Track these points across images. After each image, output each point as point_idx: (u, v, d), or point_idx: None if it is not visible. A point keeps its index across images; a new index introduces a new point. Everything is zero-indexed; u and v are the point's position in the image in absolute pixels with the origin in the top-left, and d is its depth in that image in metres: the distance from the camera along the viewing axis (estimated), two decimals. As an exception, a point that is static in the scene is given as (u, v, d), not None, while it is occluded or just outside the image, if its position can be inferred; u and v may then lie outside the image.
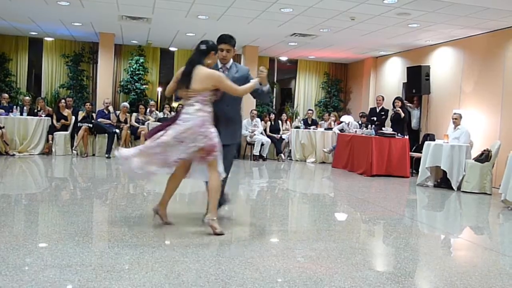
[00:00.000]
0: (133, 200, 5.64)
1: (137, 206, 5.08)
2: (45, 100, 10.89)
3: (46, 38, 11.98)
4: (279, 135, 11.29)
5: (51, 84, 12.15)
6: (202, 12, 8.30)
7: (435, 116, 10.01)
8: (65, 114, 10.05)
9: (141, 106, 10.74)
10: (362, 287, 2.85)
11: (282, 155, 11.03)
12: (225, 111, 4.07)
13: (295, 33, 9.81)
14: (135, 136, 10.19)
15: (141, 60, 12.17)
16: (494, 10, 7.12)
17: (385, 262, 3.66)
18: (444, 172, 7.49)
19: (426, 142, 7.99)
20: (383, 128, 9.32)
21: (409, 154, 8.91)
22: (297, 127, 11.29)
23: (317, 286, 2.83)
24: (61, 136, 9.71)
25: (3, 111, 9.45)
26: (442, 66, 9.88)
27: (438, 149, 7.54)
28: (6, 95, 10.18)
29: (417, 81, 9.98)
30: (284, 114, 12.23)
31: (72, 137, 9.92)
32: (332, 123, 11.61)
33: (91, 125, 9.77)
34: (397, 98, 9.83)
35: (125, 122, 10.27)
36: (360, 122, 10.76)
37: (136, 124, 10.29)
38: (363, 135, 9.33)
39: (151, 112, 10.74)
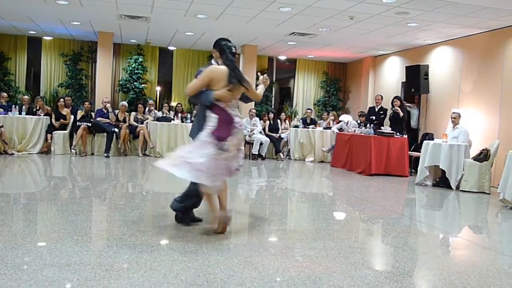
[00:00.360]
0: (132, 199, 5.64)
1: (136, 206, 5.08)
2: (44, 99, 10.89)
3: (45, 37, 11.96)
4: (278, 134, 11.28)
5: (50, 83, 12.14)
6: (201, 11, 8.29)
7: (434, 116, 10.02)
8: (64, 113, 10.04)
9: (140, 105, 10.72)
10: (361, 286, 2.86)
11: (281, 154, 11.03)
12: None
13: (294, 32, 9.80)
14: (134, 135, 10.19)
15: (140, 59, 12.16)
16: (493, 9, 7.12)
17: (383, 261, 3.66)
18: (443, 171, 7.50)
19: (425, 141, 7.99)
20: (382, 127, 9.33)
21: (408, 153, 8.91)
22: (296, 126, 11.29)
23: (315, 285, 2.83)
24: (60, 135, 9.70)
25: (1, 110, 9.44)
26: (441, 65, 9.88)
27: (437, 149, 7.54)
28: (4, 94, 10.16)
29: (416, 81, 9.98)
30: (283, 113, 12.23)
31: (71, 136, 9.91)
32: (331, 122, 11.61)
33: (90, 124, 9.76)
34: (396, 97, 9.83)
35: (124, 121, 10.26)
36: (359, 121, 10.76)
37: (135, 123, 10.28)
38: (362, 134, 9.33)
39: (149, 111, 10.73)
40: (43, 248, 3.32)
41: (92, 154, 9.80)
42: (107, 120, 9.96)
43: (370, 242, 4.24)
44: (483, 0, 6.72)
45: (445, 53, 9.81)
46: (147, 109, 10.78)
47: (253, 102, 11.41)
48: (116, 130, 9.83)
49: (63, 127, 9.91)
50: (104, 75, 11.12)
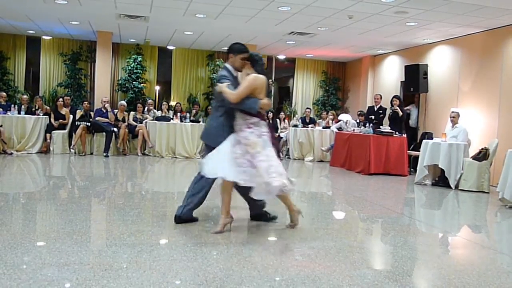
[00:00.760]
0: (131, 199, 5.64)
1: (135, 205, 5.08)
2: (43, 98, 10.86)
3: (44, 37, 11.95)
4: (277, 134, 11.28)
5: (49, 82, 12.12)
6: (200, 10, 8.29)
7: (433, 115, 10.02)
8: (63, 112, 10.03)
9: (139, 105, 10.72)
10: (360, 286, 2.86)
11: (280, 153, 11.00)
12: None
13: (293, 32, 9.80)
14: (133, 135, 10.19)
15: (139, 59, 12.15)
16: (491, 8, 7.12)
17: (383, 260, 3.67)
18: (442, 171, 7.50)
19: (424, 141, 7.99)
20: (381, 127, 9.33)
21: (407, 152, 8.92)
22: (295, 126, 11.29)
23: (315, 285, 2.83)
24: (59, 135, 9.69)
25: (1, 109, 9.43)
26: (440, 64, 9.89)
27: (436, 148, 7.55)
28: (4, 94, 10.15)
29: (415, 80, 9.97)
30: (282, 113, 12.22)
31: (70, 136, 9.90)
32: (330, 121, 11.61)
33: (89, 124, 9.75)
34: (395, 96, 9.82)
35: (123, 120, 10.26)
36: (358, 121, 10.75)
37: (134, 123, 10.28)
38: (361, 133, 9.34)
39: (149, 110, 10.73)
40: (42, 248, 3.31)
41: (91, 153, 9.79)
42: (106, 120, 9.95)
43: (370, 242, 4.25)
44: (482, -1, 6.74)
45: (444, 52, 9.82)
46: (146, 108, 10.78)
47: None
48: (115, 129, 9.82)
49: (62, 126, 9.90)
50: (103, 75, 11.11)
